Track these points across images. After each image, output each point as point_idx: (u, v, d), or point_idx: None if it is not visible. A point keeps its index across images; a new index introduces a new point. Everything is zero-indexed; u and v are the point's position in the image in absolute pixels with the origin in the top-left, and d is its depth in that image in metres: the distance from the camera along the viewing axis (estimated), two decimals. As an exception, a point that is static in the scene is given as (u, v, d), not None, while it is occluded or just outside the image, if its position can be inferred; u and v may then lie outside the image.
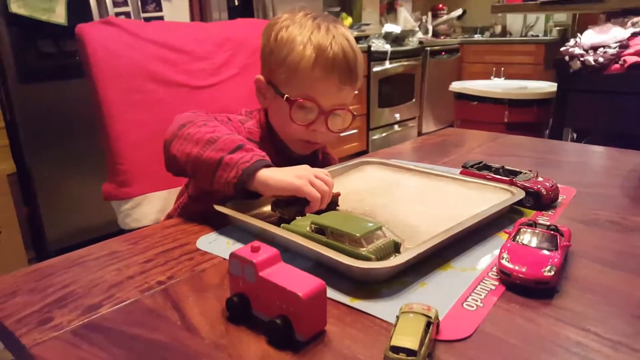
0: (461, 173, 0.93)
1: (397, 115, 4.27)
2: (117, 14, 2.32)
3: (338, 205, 0.80)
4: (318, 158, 1.07)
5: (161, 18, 2.49)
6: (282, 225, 0.68)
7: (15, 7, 2.02)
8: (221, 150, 0.75)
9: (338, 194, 0.79)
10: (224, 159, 0.74)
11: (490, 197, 0.81)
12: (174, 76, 1.24)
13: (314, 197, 0.72)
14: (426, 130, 4.62)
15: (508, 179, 0.86)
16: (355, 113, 0.96)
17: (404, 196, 0.87)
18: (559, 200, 0.85)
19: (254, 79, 0.97)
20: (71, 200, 2.31)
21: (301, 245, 0.63)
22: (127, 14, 2.36)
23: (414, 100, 4.43)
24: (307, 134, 0.92)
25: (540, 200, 0.81)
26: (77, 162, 2.30)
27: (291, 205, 0.73)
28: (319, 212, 0.71)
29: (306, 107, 0.90)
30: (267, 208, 0.81)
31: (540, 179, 0.85)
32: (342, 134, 1.03)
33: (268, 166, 0.75)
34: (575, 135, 2.67)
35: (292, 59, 0.88)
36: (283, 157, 0.96)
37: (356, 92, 0.97)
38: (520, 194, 0.80)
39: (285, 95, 0.89)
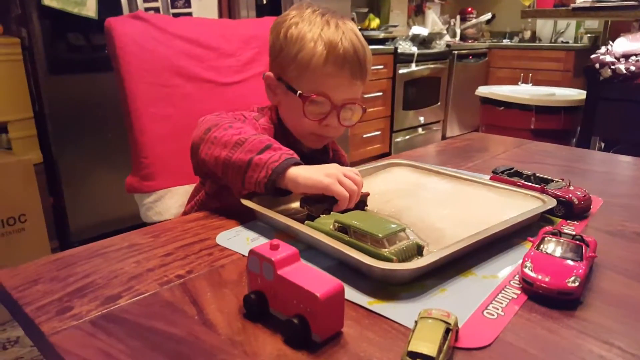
0: (491, 179, 0.91)
1: (422, 119, 4.24)
2: (147, 9, 2.34)
3: (367, 205, 0.80)
4: (329, 155, 1.07)
5: (190, 14, 2.51)
6: (305, 222, 0.68)
7: (47, 0, 2.05)
8: (250, 151, 0.76)
9: (367, 194, 0.79)
10: (254, 160, 0.75)
11: (520, 205, 0.79)
12: (200, 72, 1.25)
13: (342, 196, 0.72)
14: (450, 135, 4.57)
15: (539, 186, 0.84)
16: (365, 107, 0.96)
17: (431, 199, 0.86)
18: (586, 210, 0.83)
19: (262, 76, 0.98)
20: (96, 192, 2.35)
21: (323, 243, 0.63)
22: (157, 10, 2.38)
23: (439, 103, 4.39)
24: (319, 128, 0.93)
25: (572, 210, 0.79)
26: (103, 154, 2.33)
27: (319, 202, 0.73)
28: (347, 211, 0.71)
29: (319, 103, 0.90)
30: (294, 205, 0.81)
31: (572, 188, 0.83)
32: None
33: (297, 164, 0.75)
34: (603, 145, 2.61)
35: (303, 55, 0.89)
36: (296, 152, 0.96)
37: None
38: (552, 203, 0.78)
39: (299, 92, 0.90)
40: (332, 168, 0.75)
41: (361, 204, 0.77)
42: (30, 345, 1.77)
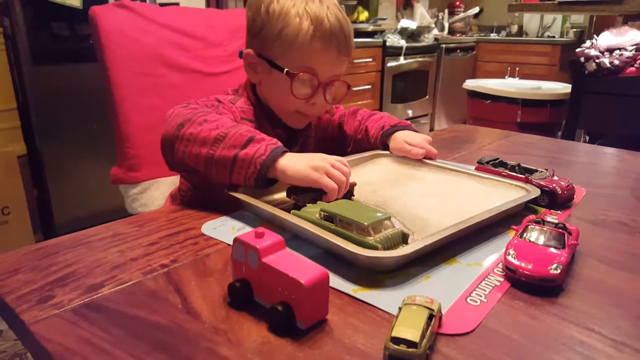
0: (476, 169, 0.92)
1: (410, 112, 4.24)
2: (132, -1, 2.32)
3: (353, 195, 0.80)
4: (311, 127, 1.06)
5: (177, 4, 2.48)
6: (292, 211, 0.68)
7: (31, -11, 2.02)
8: (233, 147, 0.74)
9: (354, 184, 0.79)
10: (239, 156, 0.73)
11: (504, 194, 0.80)
12: (186, 62, 1.24)
13: (330, 189, 0.71)
14: (438, 128, 4.59)
15: (523, 176, 0.85)
16: (349, 84, 0.96)
17: (417, 189, 0.87)
18: (570, 199, 0.84)
19: (239, 54, 0.96)
20: (80, 184, 2.32)
21: (309, 232, 0.62)
22: (143, -1, 2.36)
23: (427, 97, 4.41)
24: (305, 106, 0.92)
25: (555, 200, 0.80)
26: (87, 146, 2.31)
27: (306, 192, 0.73)
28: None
29: (306, 80, 0.89)
30: (278, 195, 0.81)
31: (555, 178, 0.84)
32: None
33: (284, 152, 0.74)
34: (587, 138, 2.64)
35: (288, 32, 0.87)
36: (280, 130, 0.97)
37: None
38: (536, 192, 0.78)
39: (286, 69, 0.88)
40: (320, 160, 0.74)
41: (348, 194, 0.77)
42: (13, 339, 1.75)
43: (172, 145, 0.79)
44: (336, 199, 0.72)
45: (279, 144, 0.76)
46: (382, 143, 1.02)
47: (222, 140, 0.75)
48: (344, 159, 0.77)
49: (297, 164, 0.73)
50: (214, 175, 0.76)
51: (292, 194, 0.75)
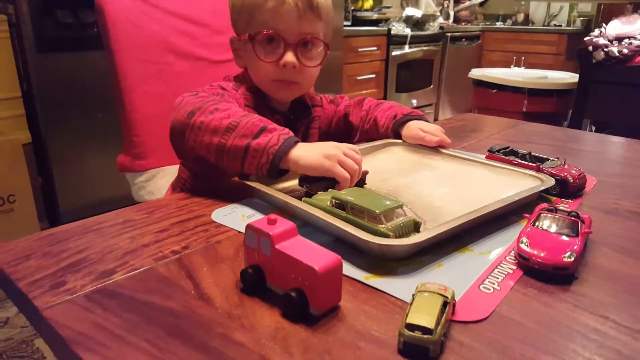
0: (487, 157, 0.91)
1: (414, 101, 4.23)
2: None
3: (365, 183, 0.79)
4: (312, 113, 1.06)
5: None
6: (303, 199, 0.68)
7: (35, -24, 2.01)
8: (245, 136, 0.73)
9: (366, 172, 0.79)
10: (251, 146, 0.73)
11: (517, 183, 0.79)
12: (192, 49, 1.23)
13: (343, 178, 0.71)
14: (442, 118, 4.57)
15: (535, 165, 0.84)
16: (327, 43, 0.95)
17: (429, 178, 0.86)
18: (580, 188, 0.83)
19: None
20: (86, 173, 2.32)
21: (321, 219, 0.62)
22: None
23: (431, 86, 4.38)
24: (278, 71, 0.91)
25: (567, 189, 0.80)
26: (93, 134, 2.30)
27: (319, 181, 0.73)
28: None
29: (271, 41, 0.90)
30: (289, 183, 0.81)
31: (566, 166, 0.83)
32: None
33: (296, 142, 0.74)
34: (594, 128, 2.63)
35: (248, 2, 0.90)
36: (279, 117, 0.97)
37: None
38: (550, 182, 0.78)
39: (248, 33, 0.90)
40: (332, 148, 0.74)
41: (360, 182, 0.77)
42: (20, 326, 1.76)
43: (182, 134, 0.78)
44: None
45: (291, 133, 0.75)
46: (394, 132, 1.02)
47: (233, 129, 0.74)
48: (356, 147, 0.77)
49: (310, 154, 0.73)
50: (225, 164, 0.76)
51: (305, 183, 0.74)
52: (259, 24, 0.89)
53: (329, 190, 0.70)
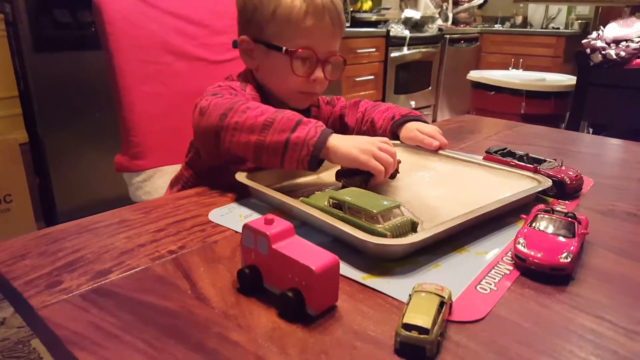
0: (484, 158, 0.91)
1: (413, 103, 4.23)
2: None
3: (399, 172, 0.80)
4: (311, 112, 1.06)
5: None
6: (300, 199, 0.68)
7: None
8: (283, 131, 0.74)
9: (399, 162, 0.79)
10: (291, 139, 0.73)
11: (514, 185, 0.79)
12: (191, 49, 1.23)
13: (378, 171, 0.72)
14: (441, 119, 4.58)
15: (532, 166, 0.84)
16: (345, 58, 0.97)
17: (427, 178, 0.87)
18: (578, 190, 0.83)
19: (233, 44, 0.97)
20: (83, 173, 2.32)
21: (318, 219, 0.62)
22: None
23: (430, 88, 4.39)
24: (307, 85, 0.93)
25: (564, 190, 0.80)
26: (90, 134, 2.30)
27: (355, 175, 0.74)
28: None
29: (305, 58, 0.90)
30: (287, 182, 0.81)
31: (563, 168, 0.83)
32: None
33: (331, 133, 0.75)
34: (591, 130, 2.63)
35: (281, 11, 0.88)
36: None
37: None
38: (547, 183, 0.78)
39: (285, 48, 0.89)
40: (367, 143, 0.75)
41: (394, 173, 0.78)
42: (16, 327, 1.75)
43: (216, 136, 0.78)
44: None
45: (324, 125, 0.76)
46: (392, 133, 1.02)
47: (270, 125, 0.75)
48: (388, 140, 0.78)
49: (346, 145, 0.74)
50: (264, 161, 0.76)
51: (342, 178, 0.76)
52: (292, 37, 0.89)
53: (325, 190, 0.70)
